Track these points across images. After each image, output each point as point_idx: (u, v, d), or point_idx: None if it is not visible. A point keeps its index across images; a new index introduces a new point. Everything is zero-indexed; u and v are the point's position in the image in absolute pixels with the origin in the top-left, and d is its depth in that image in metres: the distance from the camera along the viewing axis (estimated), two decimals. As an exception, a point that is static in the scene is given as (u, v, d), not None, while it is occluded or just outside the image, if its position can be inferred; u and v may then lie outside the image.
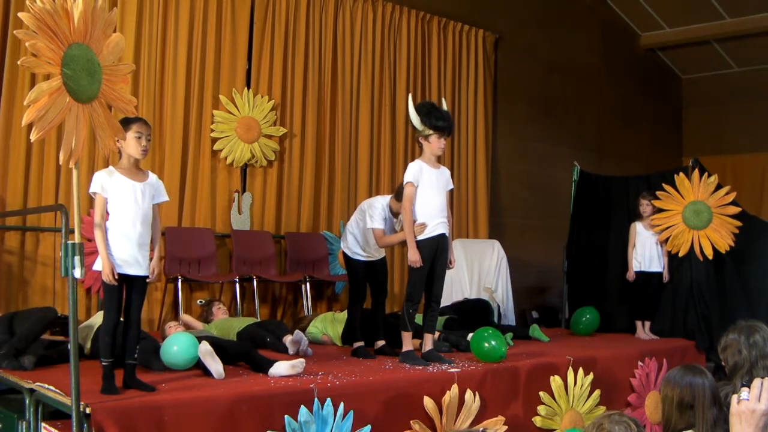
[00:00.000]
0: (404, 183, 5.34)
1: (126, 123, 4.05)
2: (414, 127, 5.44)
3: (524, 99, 10.70)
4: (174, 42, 7.32)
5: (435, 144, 5.35)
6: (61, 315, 5.18)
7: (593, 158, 10.94)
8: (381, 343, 5.80)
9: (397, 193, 5.61)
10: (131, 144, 4.09)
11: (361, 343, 5.73)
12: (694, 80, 13.83)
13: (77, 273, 3.59)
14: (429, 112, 5.32)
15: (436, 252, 5.32)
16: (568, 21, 11.44)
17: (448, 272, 5.53)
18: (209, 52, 7.55)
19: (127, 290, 4.08)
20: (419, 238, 5.28)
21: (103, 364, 3.94)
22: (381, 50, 8.84)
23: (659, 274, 7.57)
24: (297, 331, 5.63)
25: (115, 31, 3.89)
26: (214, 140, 7.54)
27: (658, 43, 12.98)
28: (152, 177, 4.25)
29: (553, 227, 9.79)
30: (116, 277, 3.96)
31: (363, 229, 5.74)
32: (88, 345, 4.91)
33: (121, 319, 4.09)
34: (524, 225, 10.46)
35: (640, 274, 7.55)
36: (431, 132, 5.32)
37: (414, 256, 5.22)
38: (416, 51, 9.23)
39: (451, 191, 5.57)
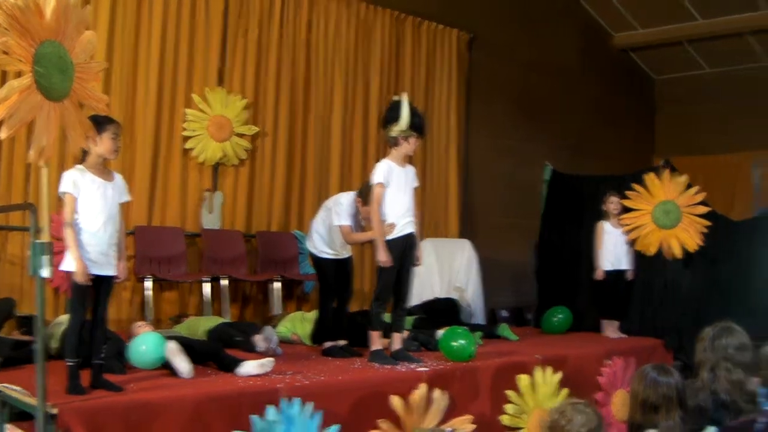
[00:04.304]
0: (374, 183, 5.30)
1: (101, 123, 4.03)
2: (392, 127, 5.28)
3: (501, 98, 10.73)
4: (147, 39, 7.31)
5: (413, 144, 5.34)
6: (29, 315, 5.14)
7: (569, 157, 10.93)
8: (342, 342, 5.75)
9: (362, 193, 5.62)
10: (106, 144, 4.07)
11: (334, 343, 5.71)
12: (667, 81, 13.93)
13: (45, 272, 3.57)
14: (413, 113, 5.29)
15: (405, 251, 5.33)
16: (544, 21, 11.50)
17: (417, 271, 5.54)
18: (182, 50, 7.53)
19: (96, 290, 4.07)
20: (388, 237, 5.27)
21: (68, 364, 3.92)
22: (354, 49, 8.86)
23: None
24: (267, 327, 5.60)
25: (87, 29, 3.86)
26: (186, 138, 7.52)
27: (630, 44, 13.07)
28: (118, 177, 4.25)
29: (528, 226, 9.78)
30: (91, 277, 3.95)
31: (329, 226, 5.71)
32: (55, 345, 4.87)
33: (88, 318, 4.08)
34: (498, 224, 10.46)
35: (611, 273, 7.57)
36: (412, 133, 5.30)
37: (383, 257, 5.22)
38: (390, 50, 9.25)
39: (417, 188, 5.55)
